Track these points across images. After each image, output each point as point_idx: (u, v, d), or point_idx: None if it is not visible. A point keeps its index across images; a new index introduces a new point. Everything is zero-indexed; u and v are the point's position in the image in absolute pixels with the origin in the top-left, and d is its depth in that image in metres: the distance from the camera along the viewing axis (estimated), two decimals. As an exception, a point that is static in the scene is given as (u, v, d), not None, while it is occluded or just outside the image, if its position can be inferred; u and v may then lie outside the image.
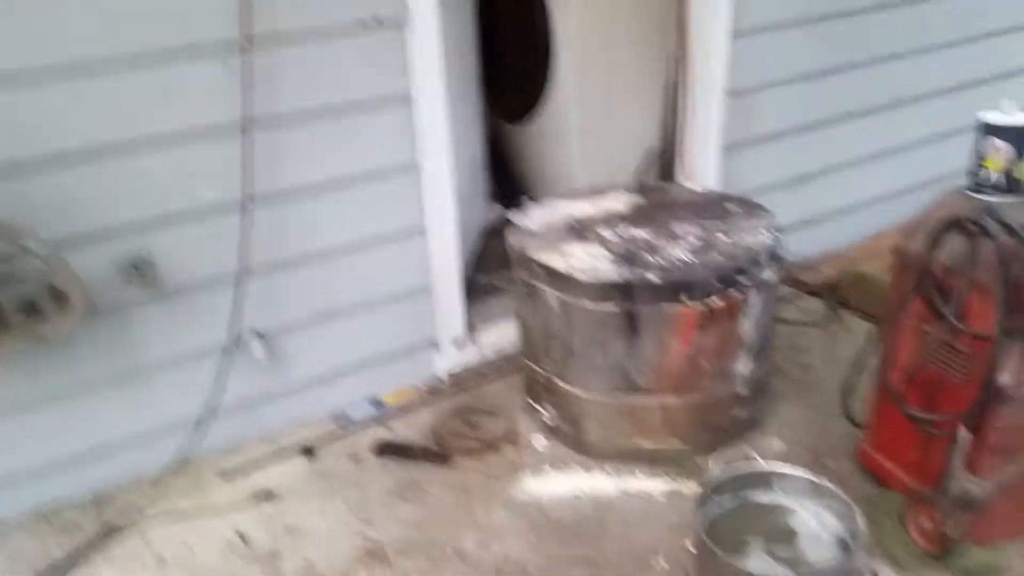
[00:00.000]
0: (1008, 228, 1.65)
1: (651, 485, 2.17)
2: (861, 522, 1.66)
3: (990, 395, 1.73)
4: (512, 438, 2.37)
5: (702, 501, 1.74)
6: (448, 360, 2.62)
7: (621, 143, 3.19)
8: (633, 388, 2.16)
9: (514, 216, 2.43)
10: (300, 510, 2.14)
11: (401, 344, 2.53)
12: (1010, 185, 1.76)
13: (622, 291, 2.04)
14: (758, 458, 2.19)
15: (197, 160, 2.03)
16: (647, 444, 2.23)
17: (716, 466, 2.18)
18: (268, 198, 2.13)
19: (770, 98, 2.90)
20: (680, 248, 2.15)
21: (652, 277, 2.03)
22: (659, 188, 2.87)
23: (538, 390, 2.35)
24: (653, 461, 2.23)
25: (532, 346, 2.32)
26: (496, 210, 3.37)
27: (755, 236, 2.20)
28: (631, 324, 2.07)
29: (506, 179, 3.58)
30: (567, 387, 2.23)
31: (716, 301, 2.06)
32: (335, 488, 2.21)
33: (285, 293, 2.27)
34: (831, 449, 2.23)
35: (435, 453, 2.32)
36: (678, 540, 1.91)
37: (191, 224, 2.07)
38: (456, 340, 2.61)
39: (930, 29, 3.16)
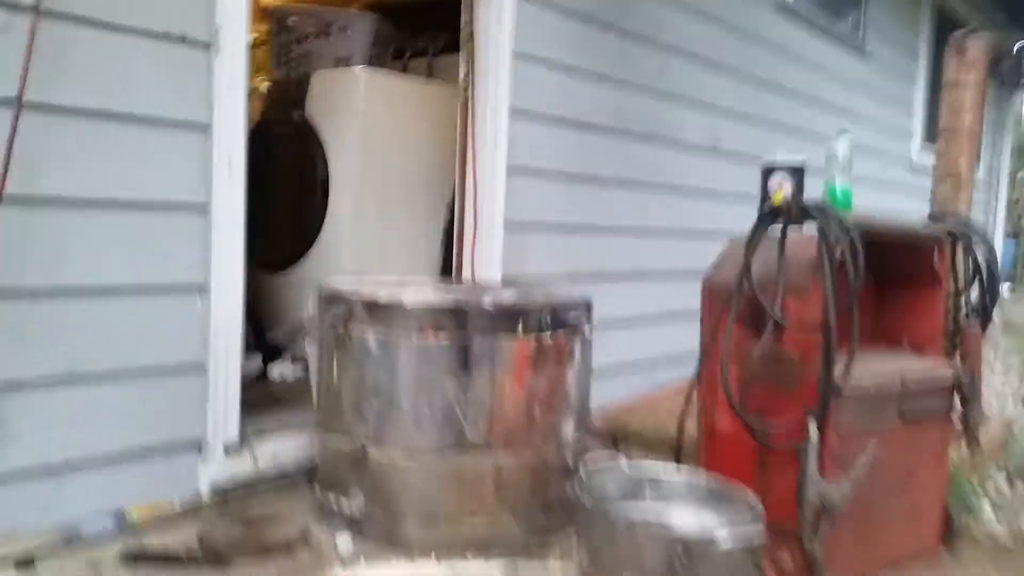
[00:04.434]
0: (823, 211, 1.81)
1: (485, 568, 1.83)
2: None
3: (829, 386, 1.77)
4: (307, 539, 1.90)
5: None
6: (217, 469, 2.11)
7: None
8: (463, 444, 1.89)
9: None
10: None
11: (159, 438, 2.01)
12: (793, 215, 1.97)
13: (454, 318, 1.86)
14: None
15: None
16: (478, 521, 1.91)
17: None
18: (18, 202, 1.71)
19: (536, 240, 3.05)
20: (504, 293, 2.06)
21: (486, 304, 1.89)
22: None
23: (342, 475, 1.96)
24: (483, 544, 1.90)
25: (339, 413, 1.97)
26: (255, 361, 3.04)
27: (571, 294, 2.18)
28: (463, 359, 1.87)
29: (259, 332, 3.26)
30: (384, 455, 1.89)
31: (548, 338, 1.95)
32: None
33: (17, 336, 1.75)
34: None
35: (211, 556, 1.77)
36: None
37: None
38: (229, 444, 2.13)
39: (652, 214, 3.61)
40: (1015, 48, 3.43)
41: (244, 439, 2.20)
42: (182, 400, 2.05)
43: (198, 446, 2.09)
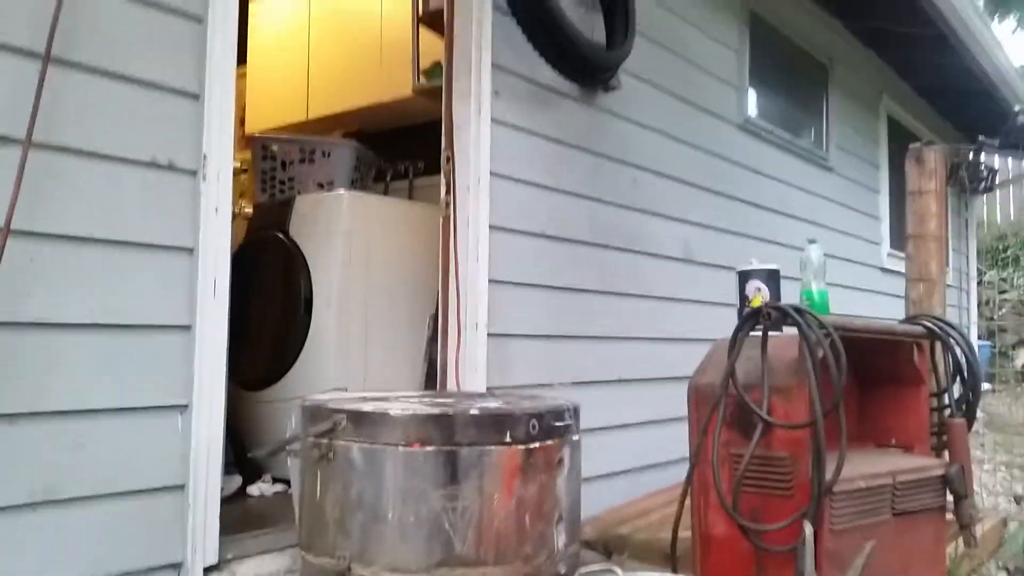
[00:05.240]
0: (802, 314, 1.85)
1: None
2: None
3: (821, 485, 1.76)
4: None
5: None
6: (196, 592, 2.04)
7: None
8: (452, 558, 1.83)
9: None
10: None
11: (137, 563, 1.94)
12: (774, 318, 2.01)
13: (440, 428, 1.85)
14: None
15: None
16: (468, 641, 1.83)
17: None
18: (2, 327, 1.71)
19: (520, 350, 3.07)
20: (490, 402, 2.05)
21: (472, 412, 1.89)
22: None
23: (326, 594, 1.89)
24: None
25: (322, 531, 1.92)
26: (235, 480, 2.98)
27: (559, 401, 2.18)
28: (450, 469, 1.84)
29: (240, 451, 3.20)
30: (370, 573, 1.83)
31: (536, 446, 1.94)
32: None
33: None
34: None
35: None
36: None
37: None
38: (208, 567, 2.06)
39: (632, 322, 3.67)
40: (969, 154, 3.61)
41: (224, 561, 2.12)
42: (161, 522, 1.99)
43: (177, 569, 2.02)
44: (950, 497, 2.12)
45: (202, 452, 2.05)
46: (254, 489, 3.03)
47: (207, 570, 2.07)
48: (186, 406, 2.04)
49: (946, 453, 2.22)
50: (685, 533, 2.06)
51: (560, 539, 2.00)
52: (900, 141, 6.00)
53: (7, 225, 1.70)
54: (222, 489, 2.17)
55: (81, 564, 1.85)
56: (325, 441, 1.91)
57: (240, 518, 2.49)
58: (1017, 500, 3.87)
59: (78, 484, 1.85)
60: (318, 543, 1.93)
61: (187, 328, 2.05)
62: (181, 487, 2.03)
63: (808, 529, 1.72)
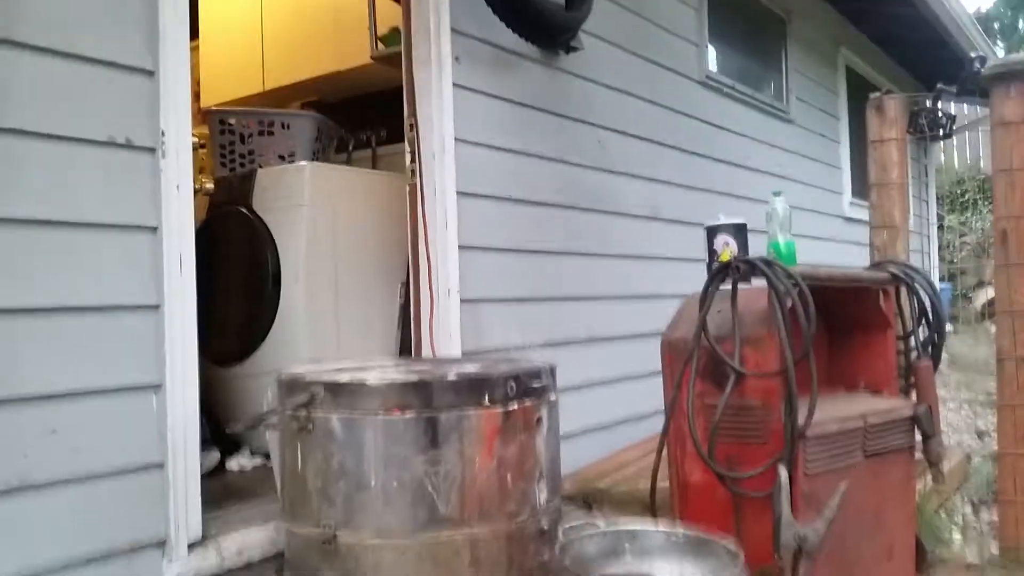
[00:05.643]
0: (771, 265, 1.88)
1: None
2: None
3: (794, 430, 1.80)
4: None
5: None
6: (181, 567, 2.03)
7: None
8: (435, 519, 1.85)
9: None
10: None
11: (120, 541, 1.93)
12: (742, 271, 2.04)
13: (419, 394, 1.86)
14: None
15: None
16: (455, 601, 1.86)
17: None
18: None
19: (493, 313, 3.08)
20: (467, 366, 2.06)
21: (450, 377, 1.90)
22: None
23: (312, 562, 1.90)
24: (462, 627, 1.85)
25: (305, 500, 1.92)
26: (213, 455, 2.97)
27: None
28: (430, 434, 1.85)
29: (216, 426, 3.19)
30: (355, 538, 1.85)
31: (515, 406, 1.95)
32: None
33: (-33, 449, 1.69)
34: None
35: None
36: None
37: None
38: (192, 541, 2.06)
39: (602, 280, 3.69)
40: (927, 102, 3.65)
41: (208, 534, 2.13)
42: (141, 500, 1.98)
43: (161, 546, 2.02)
44: (919, 436, 2.18)
45: (179, 429, 2.04)
46: (233, 464, 3.03)
47: (191, 546, 2.07)
48: (159, 385, 2.02)
49: (914, 394, 2.28)
50: (663, 484, 2.10)
51: (542, 496, 2.02)
52: (859, 91, 6.05)
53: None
54: (201, 465, 2.16)
55: (64, 547, 1.84)
56: (303, 413, 1.90)
57: (221, 493, 2.49)
58: (980, 436, 4.00)
59: (53, 469, 1.83)
60: (302, 513, 1.93)
61: (155, 307, 2.02)
62: (160, 465, 2.01)
63: (783, 474, 1.76)
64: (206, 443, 3.00)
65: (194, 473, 2.09)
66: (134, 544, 1.97)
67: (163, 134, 2.06)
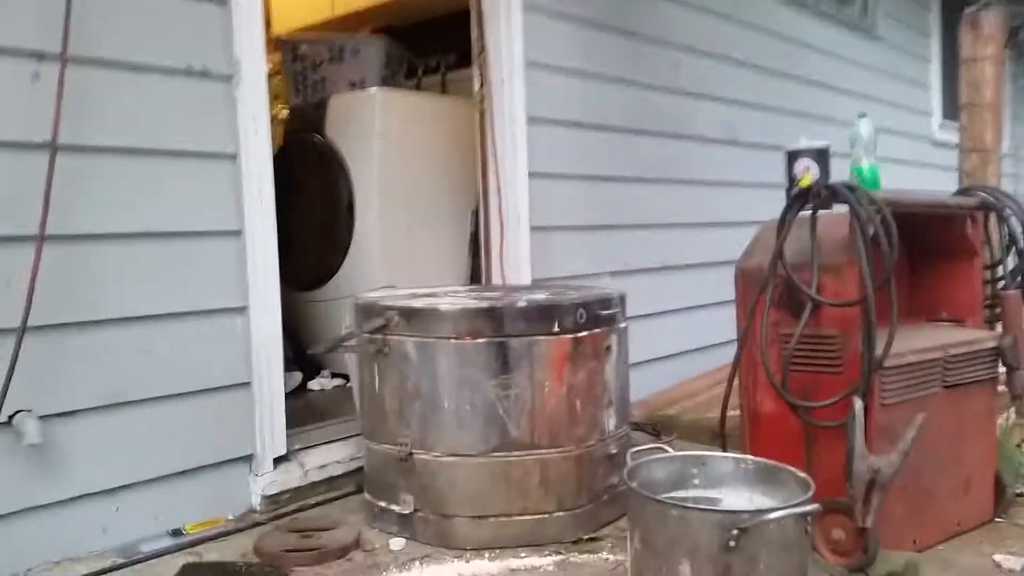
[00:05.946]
0: (854, 190, 1.81)
1: (539, 561, 1.84)
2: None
3: (872, 360, 1.77)
4: (361, 543, 1.93)
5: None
6: (267, 481, 2.15)
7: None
8: (507, 442, 1.90)
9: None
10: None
11: (210, 456, 2.06)
12: (823, 197, 1.97)
13: (490, 319, 1.89)
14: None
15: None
16: (527, 517, 1.92)
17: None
18: (58, 240, 1.76)
19: (563, 241, 3.07)
20: (537, 293, 2.08)
21: (520, 304, 1.92)
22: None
23: (390, 479, 1.99)
24: (534, 539, 1.91)
25: (383, 420, 2.00)
26: (296, 377, 3.09)
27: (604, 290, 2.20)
28: (501, 360, 1.89)
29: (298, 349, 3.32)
30: (430, 457, 1.91)
31: (584, 334, 1.97)
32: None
33: (64, 367, 1.80)
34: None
35: (268, 565, 1.80)
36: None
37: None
38: (278, 457, 2.17)
39: (674, 208, 3.62)
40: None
41: (292, 451, 2.24)
42: (230, 418, 2.09)
43: (248, 461, 2.14)
44: (1002, 369, 2.11)
45: (263, 351, 2.13)
46: (314, 384, 3.15)
47: (276, 461, 2.18)
48: (244, 308, 2.10)
49: (999, 325, 2.20)
50: (733, 413, 2.10)
51: (611, 421, 2.06)
52: (953, 4, 5.67)
53: (53, 140, 1.72)
54: (284, 385, 2.25)
55: (157, 460, 1.96)
56: (380, 337, 1.96)
57: (303, 412, 2.60)
58: (1069, 370, 3.82)
59: (147, 386, 1.94)
60: (380, 432, 2.01)
61: (237, 233, 2.08)
62: (246, 384, 2.11)
63: (858, 404, 1.73)
64: (289, 364, 3.13)
65: (279, 392, 2.18)
66: (224, 460, 2.09)
67: (238, 63, 2.08)
